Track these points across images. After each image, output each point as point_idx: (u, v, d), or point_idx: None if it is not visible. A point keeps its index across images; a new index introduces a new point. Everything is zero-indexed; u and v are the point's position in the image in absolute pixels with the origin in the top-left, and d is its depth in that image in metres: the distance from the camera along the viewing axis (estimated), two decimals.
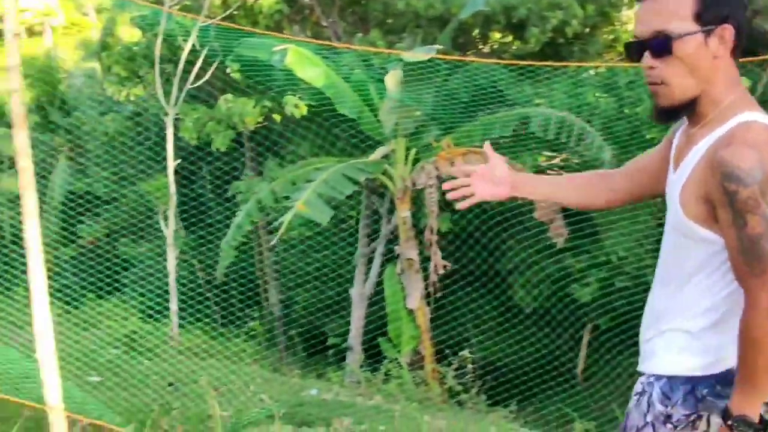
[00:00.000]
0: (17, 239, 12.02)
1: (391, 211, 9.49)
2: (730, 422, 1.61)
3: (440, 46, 8.28)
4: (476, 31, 9.97)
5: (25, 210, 3.76)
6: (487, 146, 2.07)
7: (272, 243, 9.15)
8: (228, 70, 9.09)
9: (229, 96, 9.14)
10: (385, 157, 8.91)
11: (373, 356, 9.51)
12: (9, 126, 14.35)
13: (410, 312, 9.02)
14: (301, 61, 8.16)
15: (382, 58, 8.56)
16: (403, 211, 8.86)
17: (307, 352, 10.96)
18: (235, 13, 9.16)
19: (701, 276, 1.69)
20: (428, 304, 9.07)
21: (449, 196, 2.02)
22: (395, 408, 6.73)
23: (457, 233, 9.37)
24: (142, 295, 10.50)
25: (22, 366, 6.02)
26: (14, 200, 13.46)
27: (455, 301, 9.63)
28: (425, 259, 8.99)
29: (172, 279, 8.82)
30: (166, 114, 8.69)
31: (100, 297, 10.17)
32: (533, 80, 8.84)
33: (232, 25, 8.44)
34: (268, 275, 11.43)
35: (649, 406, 1.76)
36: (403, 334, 9.08)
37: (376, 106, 8.73)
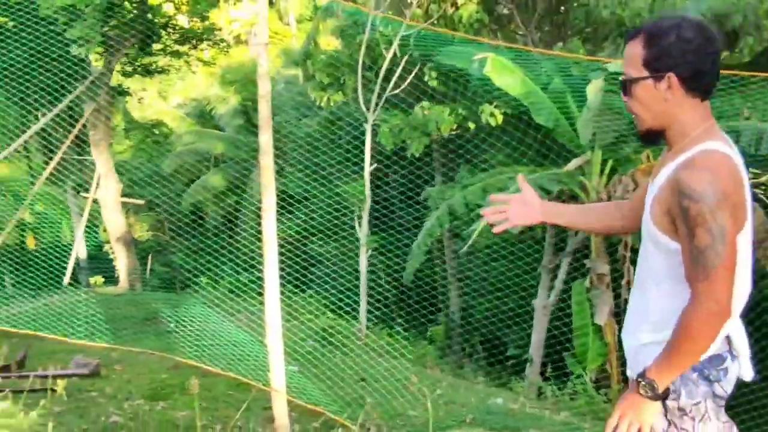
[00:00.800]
0: (219, 233, 12.97)
1: None
2: (641, 380, 1.89)
3: None
4: None
5: (265, 206, 4.02)
6: (520, 178, 2.33)
7: (462, 250, 9.23)
8: (425, 78, 9.29)
9: (425, 103, 9.34)
10: (580, 168, 8.73)
11: (554, 369, 9.33)
12: (216, 128, 15.47)
13: (598, 328, 8.76)
14: (500, 69, 8.18)
15: (582, 67, 8.39)
16: None
17: (487, 361, 10.94)
18: (435, 22, 9.36)
19: (671, 284, 1.93)
20: (618, 321, 8.77)
21: (487, 220, 2.30)
22: (584, 426, 6.57)
23: None
24: (329, 291, 10.94)
25: (247, 349, 6.46)
26: (218, 196, 14.57)
27: None
28: (616, 275, 8.70)
29: (363, 279, 9.11)
30: (365, 120, 9.03)
31: (292, 292, 10.71)
32: (744, 92, 8.31)
33: (435, 29, 8.62)
34: (450, 281, 11.54)
35: (664, 406, 1.93)
36: (590, 350, 8.84)
37: (573, 116, 8.57)
